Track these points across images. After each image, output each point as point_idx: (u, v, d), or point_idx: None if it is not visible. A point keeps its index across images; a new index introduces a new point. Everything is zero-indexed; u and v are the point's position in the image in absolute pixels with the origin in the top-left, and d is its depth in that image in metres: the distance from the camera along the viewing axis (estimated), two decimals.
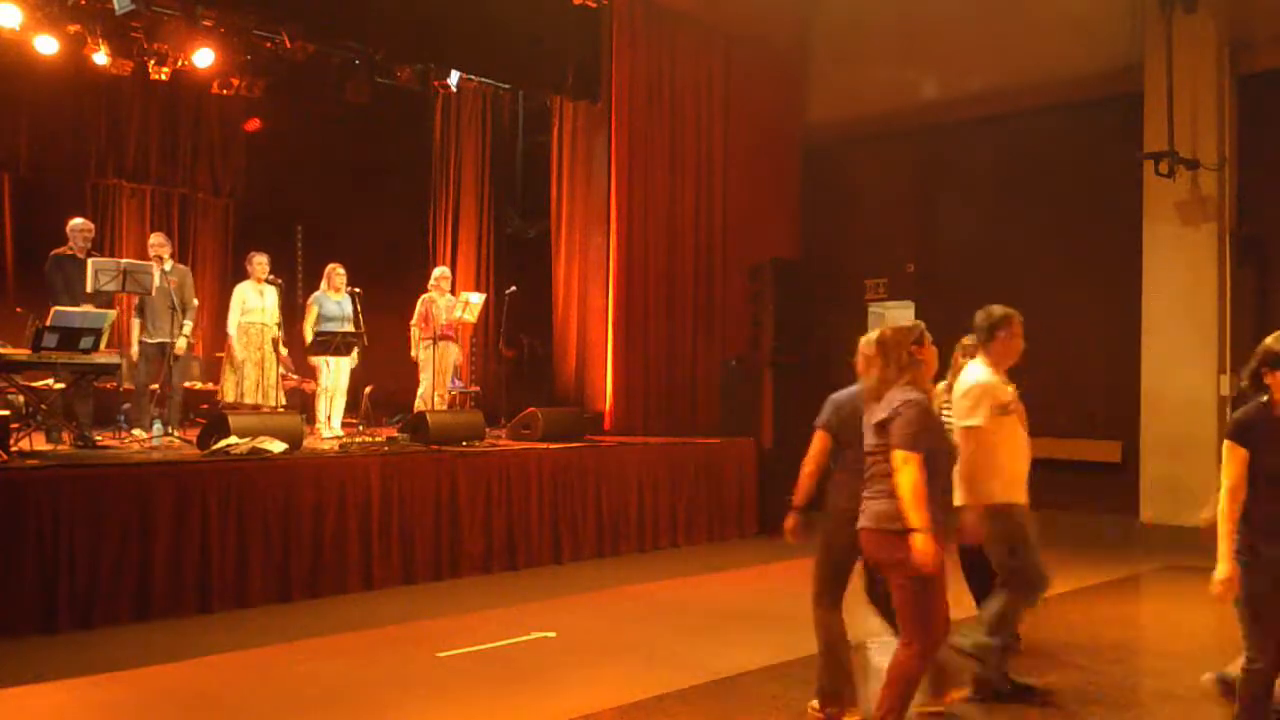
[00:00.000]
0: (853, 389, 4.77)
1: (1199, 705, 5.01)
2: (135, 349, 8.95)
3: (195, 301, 9.44)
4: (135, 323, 9.02)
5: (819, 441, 4.77)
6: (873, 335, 4.76)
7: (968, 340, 5.64)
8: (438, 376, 10.11)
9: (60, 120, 11.91)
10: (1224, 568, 3.84)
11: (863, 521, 4.18)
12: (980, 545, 5.00)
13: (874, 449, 4.17)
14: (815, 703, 4.76)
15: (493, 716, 4.94)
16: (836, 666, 4.71)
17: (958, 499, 4.93)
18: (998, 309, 5.18)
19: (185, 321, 9.05)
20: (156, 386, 9.02)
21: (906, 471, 3.96)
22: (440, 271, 10.70)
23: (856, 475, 4.52)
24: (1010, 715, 4.88)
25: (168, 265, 9.07)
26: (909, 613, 4.06)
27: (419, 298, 10.38)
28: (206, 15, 10.18)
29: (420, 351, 10.25)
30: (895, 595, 4.10)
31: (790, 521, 4.80)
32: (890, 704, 4.05)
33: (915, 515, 3.92)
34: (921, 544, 3.89)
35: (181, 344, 9.01)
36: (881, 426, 4.10)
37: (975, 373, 5.07)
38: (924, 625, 4.06)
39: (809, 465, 4.78)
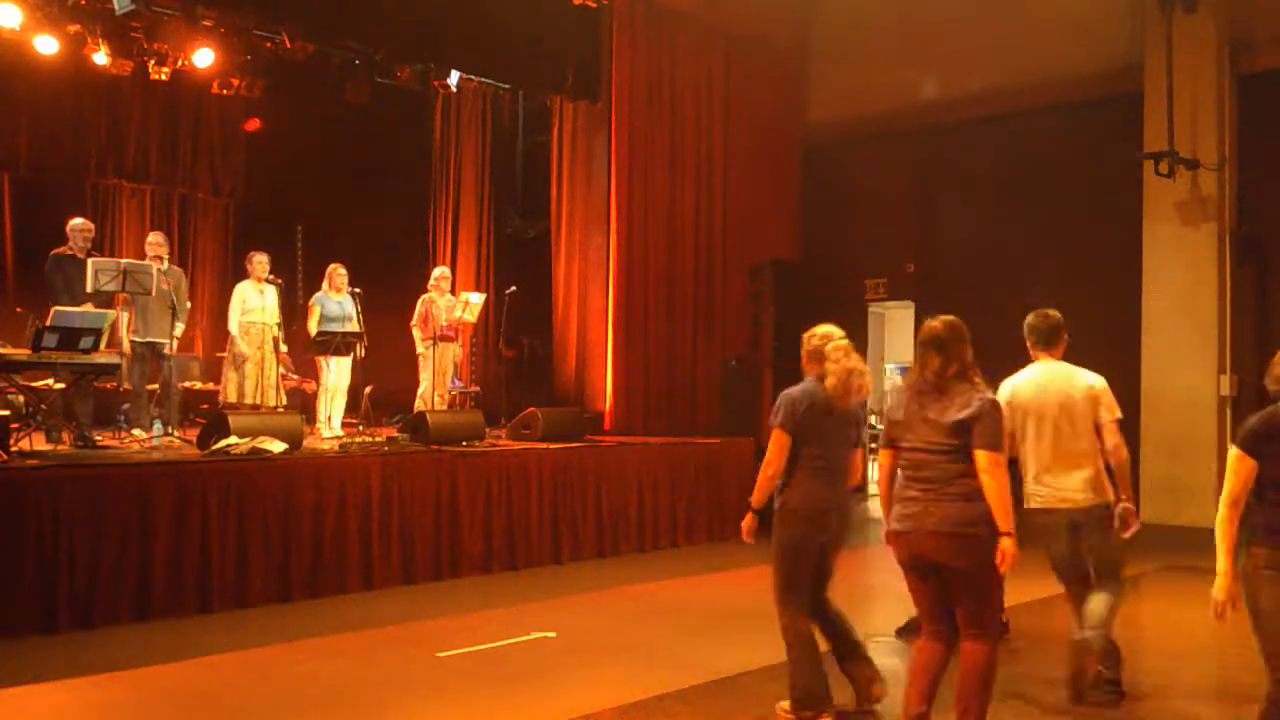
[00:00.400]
0: (806, 385, 4.73)
1: (1199, 705, 5.02)
2: (126, 346, 8.92)
3: (188, 304, 9.41)
4: (123, 317, 8.94)
5: (781, 441, 4.67)
6: (818, 330, 4.81)
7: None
8: (437, 376, 10.11)
9: (60, 120, 11.92)
10: (1222, 583, 3.63)
11: (925, 524, 3.99)
12: None
13: (940, 447, 4.00)
14: (785, 703, 4.72)
15: (493, 716, 4.93)
16: (812, 668, 4.67)
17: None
18: (1054, 312, 5.24)
19: (177, 323, 9.03)
20: (155, 386, 9.02)
21: (999, 474, 3.90)
22: (440, 271, 10.69)
23: (813, 475, 4.63)
24: (1012, 714, 4.88)
25: (164, 265, 9.05)
26: (982, 613, 4.01)
27: (419, 298, 10.38)
28: (206, 15, 10.18)
29: (421, 351, 10.24)
30: (965, 598, 4.00)
31: (749, 523, 4.77)
32: (981, 704, 4.01)
33: (1007, 519, 3.88)
34: (1012, 548, 3.88)
35: (170, 345, 9.00)
36: (961, 426, 3.95)
37: (1072, 369, 5.14)
38: (994, 622, 4.11)
39: (771, 468, 4.68)
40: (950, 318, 4.17)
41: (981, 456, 3.91)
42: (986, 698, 4.01)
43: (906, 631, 5.96)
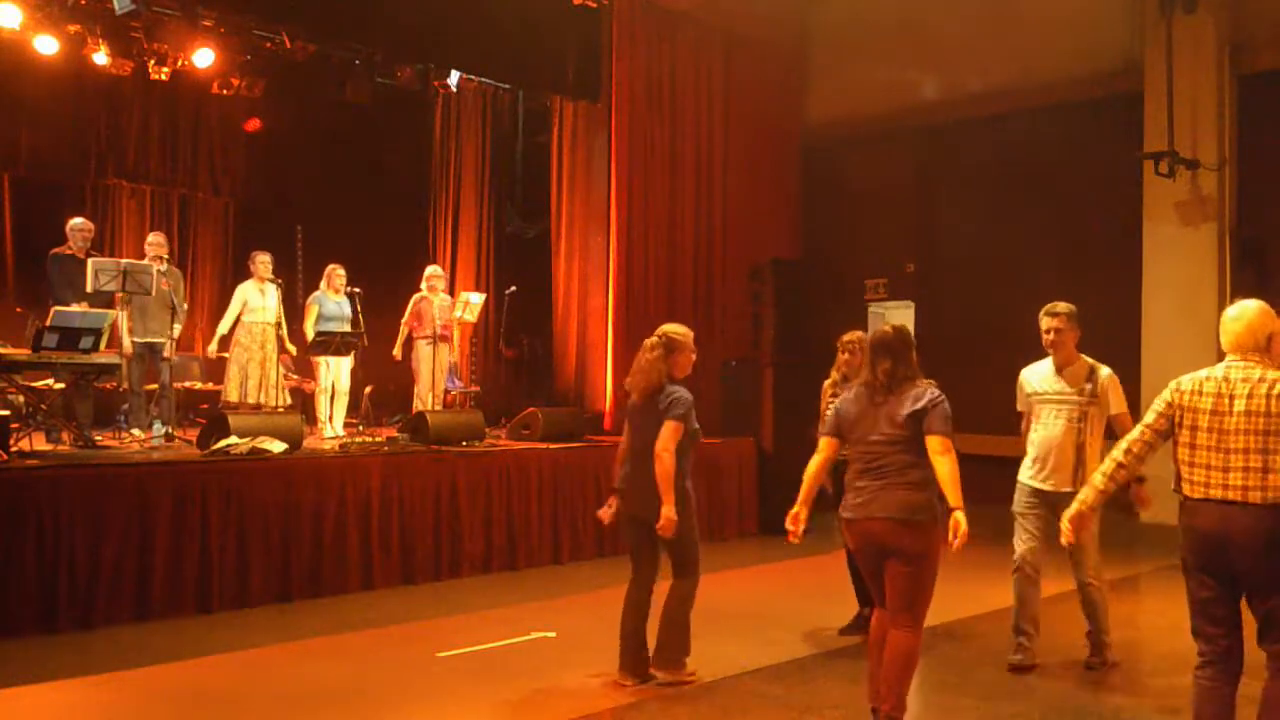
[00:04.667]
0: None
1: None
2: (126, 345, 8.91)
3: (185, 305, 9.39)
4: (121, 316, 8.92)
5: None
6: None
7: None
8: (434, 376, 10.09)
9: (60, 120, 11.90)
10: None
11: (874, 511, 4.30)
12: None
13: (893, 439, 4.32)
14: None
15: (493, 716, 4.94)
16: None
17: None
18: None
19: (176, 324, 9.03)
20: (155, 386, 9.02)
21: (951, 457, 4.25)
22: (433, 270, 10.57)
23: (627, 458, 5.33)
24: (1011, 715, 4.88)
25: (164, 266, 9.04)
26: (918, 596, 4.30)
27: (411, 297, 10.34)
28: (206, 15, 10.19)
29: (415, 351, 10.21)
30: (903, 581, 4.28)
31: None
32: (904, 689, 4.29)
33: (958, 496, 4.25)
34: (964, 521, 4.23)
35: (168, 346, 8.99)
36: (914, 417, 4.28)
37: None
38: (926, 607, 4.34)
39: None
40: (900, 325, 4.55)
41: (935, 440, 4.26)
42: (909, 683, 4.34)
43: (852, 629, 6.17)
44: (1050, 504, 5.36)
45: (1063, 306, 5.47)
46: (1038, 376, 5.53)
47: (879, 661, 4.43)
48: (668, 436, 5.03)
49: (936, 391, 4.37)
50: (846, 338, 6.33)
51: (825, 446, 4.58)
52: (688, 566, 5.26)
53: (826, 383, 6.49)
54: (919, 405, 4.30)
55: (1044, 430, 5.42)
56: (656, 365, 5.19)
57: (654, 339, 5.28)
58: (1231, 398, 3.69)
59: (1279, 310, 3.98)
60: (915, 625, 4.31)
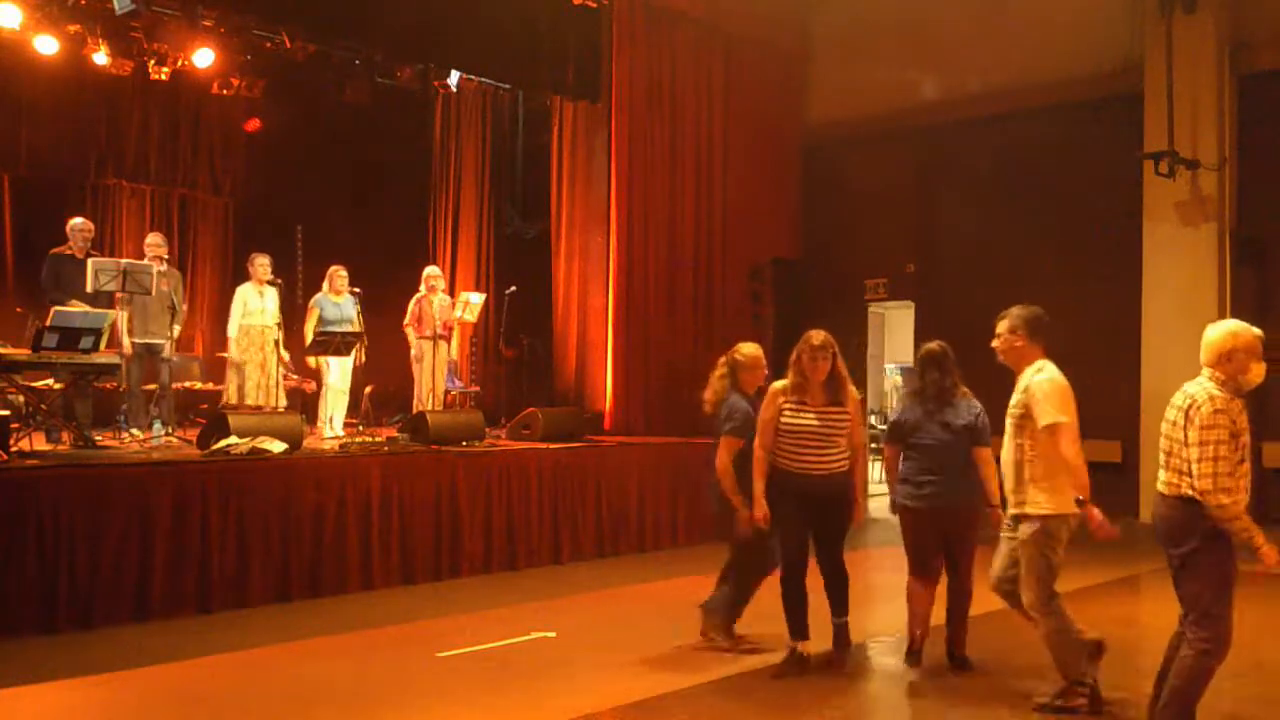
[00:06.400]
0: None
1: (1198, 705, 5.01)
2: (126, 345, 8.91)
3: (184, 306, 9.37)
4: (121, 317, 8.91)
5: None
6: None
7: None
8: (434, 376, 10.09)
9: (60, 120, 11.91)
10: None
11: (943, 502, 5.26)
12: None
13: (949, 442, 5.27)
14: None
15: (493, 716, 4.93)
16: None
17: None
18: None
19: (174, 325, 9.02)
20: (155, 387, 9.02)
21: (993, 462, 5.16)
22: (432, 271, 10.59)
23: None
24: (1009, 716, 4.88)
25: (163, 266, 9.03)
26: (970, 563, 5.38)
27: (412, 298, 10.35)
28: (206, 15, 10.20)
29: (414, 351, 10.23)
30: (962, 551, 5.37)
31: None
32: (966, 623, 5.47)
33: (997, 495, 5.19)
34: (1000, 515, 5.14)
35: (168, 346, 8.99)
36: (969, 428, 5.30)
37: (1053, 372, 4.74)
38: (973, 569, 5.38)
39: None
40: (942, 342, 5.42)
41: (985, 452, 5.25)
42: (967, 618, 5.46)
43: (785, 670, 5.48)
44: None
45: (1014, 310, 4.85)
46: None
47: (923, 620, 5.48)
48: (722, 450, 5.62)
49: (979, 405, 5.31)
50: (817, 342, 5.33)
51: (891, 453, 5.48)
52: (744, 565, 5.78)
53: (778, 385, 5.49)
54: (972, 419, 5.29)
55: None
56: (718, 382, 5.83)
57: (724, 358, 5.90)
58: (1171, 405, 4.30)
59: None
60: (970, 577, 5.36)
